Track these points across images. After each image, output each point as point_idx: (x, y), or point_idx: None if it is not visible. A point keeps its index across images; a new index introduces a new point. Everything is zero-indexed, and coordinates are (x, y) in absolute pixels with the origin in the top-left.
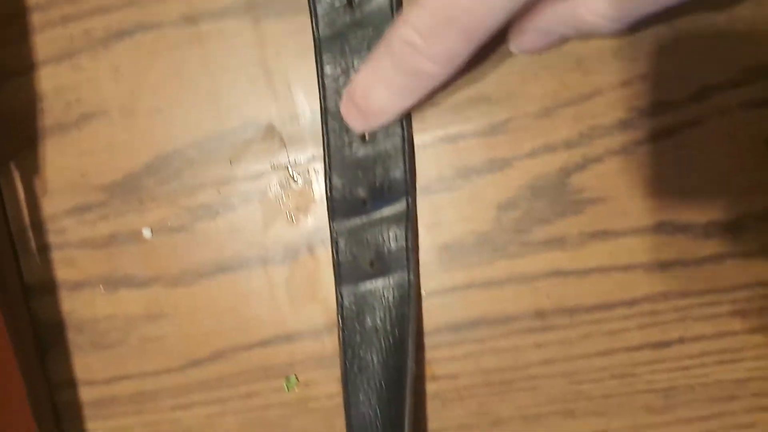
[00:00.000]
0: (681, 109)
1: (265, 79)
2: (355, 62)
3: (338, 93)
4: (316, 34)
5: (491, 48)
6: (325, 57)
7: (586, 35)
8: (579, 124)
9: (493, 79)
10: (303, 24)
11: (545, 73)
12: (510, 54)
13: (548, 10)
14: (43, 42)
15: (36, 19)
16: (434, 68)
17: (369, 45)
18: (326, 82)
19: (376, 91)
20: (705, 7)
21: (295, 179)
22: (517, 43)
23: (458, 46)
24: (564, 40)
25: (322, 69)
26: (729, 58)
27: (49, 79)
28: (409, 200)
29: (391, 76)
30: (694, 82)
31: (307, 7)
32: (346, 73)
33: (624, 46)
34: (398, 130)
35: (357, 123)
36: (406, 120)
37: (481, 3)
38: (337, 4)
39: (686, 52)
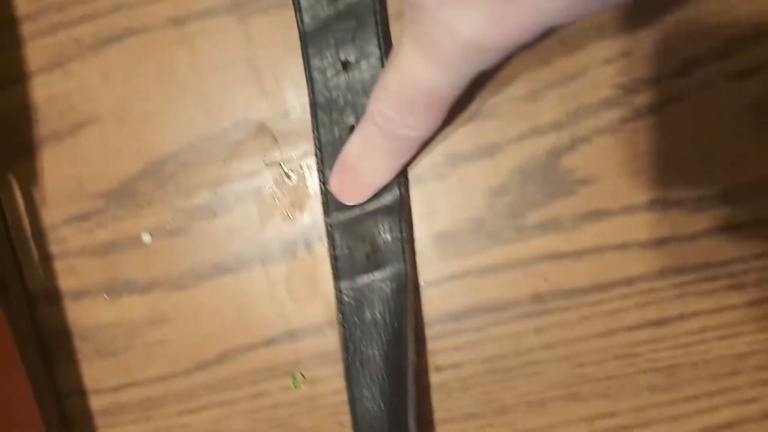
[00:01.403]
0: (665, 84)
1: (254, 76)
2: (341, 54)
3: (326, 86)
4: (300, 28)
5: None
6: (311, 50)
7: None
8: (565, 105)
9: None
10: (288, 19)
11: (530, 55)
12: None
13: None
14: (34, 51)
15: (25, 28)
16: (413, 134)
17: (353, 36)
18: (314, 75)
19: (369, 154)
20: None
21: (289, 176)
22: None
23: (428, 117)
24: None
25: (309, 62)
26: (710, 30)
27: (41, 88)
28: (402, 190)
29: (379, 141)
30: (676, 56)
31: (291, 2)
32: (333, 65)
33: (606, 23)
34: None
35: (351, 193)
36: None
37: (441, 83)
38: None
39: (667, 26)
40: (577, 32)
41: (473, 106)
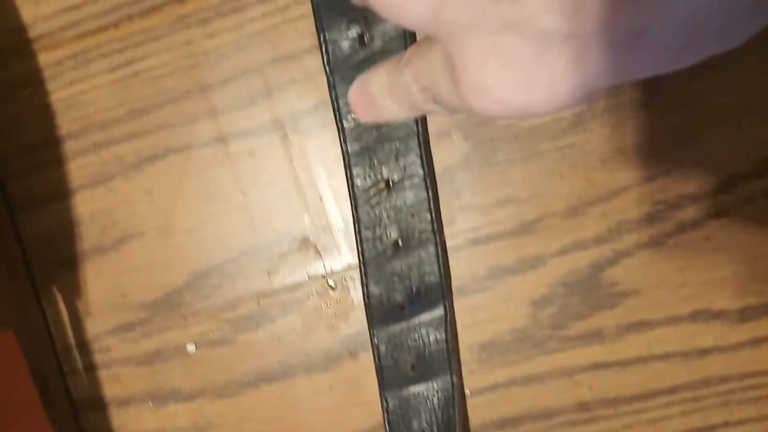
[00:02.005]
0: (706, 200)
1: (296, 192)
2: (384, 173)
3: (369, 203)
4: (344, 148)
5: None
6: (355, 170)
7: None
8: (607, 220)
9: (519, 181)
10: (329, 138)
11: (571, 173)
12: (535, 155)
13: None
14: (77, 168)
15: (68, 146)
16: (437, 109)
17: (396, 156)
18: (357, 193)
19: (393, 96)
20: (721, 96)
21: (333, 287)
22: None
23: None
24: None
25: (352, 181)
26: (750, 147)
27: (84, 204)
28: (447, 304)
29: (405, 94)
30: (717, 173)
31: (333, 123)
32: (376, 184)
33: (645, 142)
34: (431, 236)
35: (365, 114)
36: (437, 225)
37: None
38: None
39: (706, 144)
40: (617, 152)
41: (514, 220)
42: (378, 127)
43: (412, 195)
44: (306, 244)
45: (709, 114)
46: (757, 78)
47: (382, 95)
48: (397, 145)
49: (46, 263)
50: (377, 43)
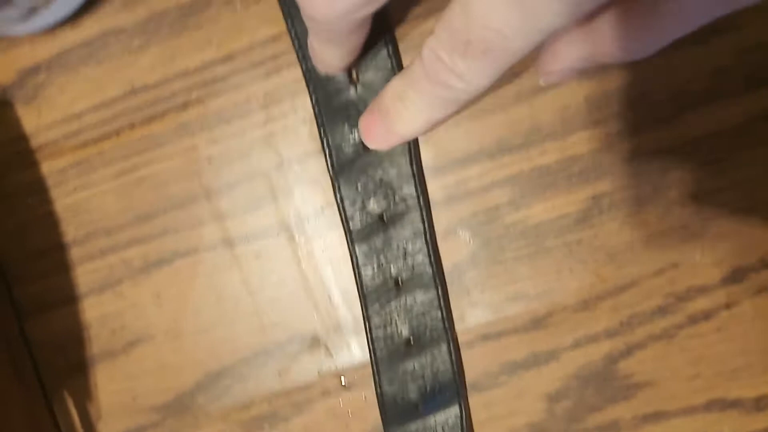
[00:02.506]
0: (716, 291)
1: (305, 293)
2: (393, 272)
3: (379, 302)
4: (352, 249)
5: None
6: (363, 271)
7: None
8: (618, 314)
9: (528, 278)
10: (336, 239)
11: (579, 268)
12: (542, 251)
13: (571, 47)
14: (84, 273)
15: (75, 252)
16: (458, 85)
17: (404, 255)
18: (366, 293)
19: (405, 96)
20: (726, 191)
21: (345, 387)
22: (545, 78)
23: (480, 68)
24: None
25: (361, 282)
26: (756, 240)
27: (93, 309)
28: (462, 402)
29: (420, 83)
30: (725, 265)
31: (340, 224)
32: (385, 283)
33: (652, 236)
34: (443, 334)
35: (375, 136)
36: (448, 323)
37: (512, 28)
38: (369, 220)
39: (713, 237)
40: (625, 247)
41: (525, 316)
42: (385, 228)
43: (421, 293)
44: (316, 343)
45: (715, 208)
46: (759, 176)
47: (396, 99)
48: (405, 245)
49: (56, 368)
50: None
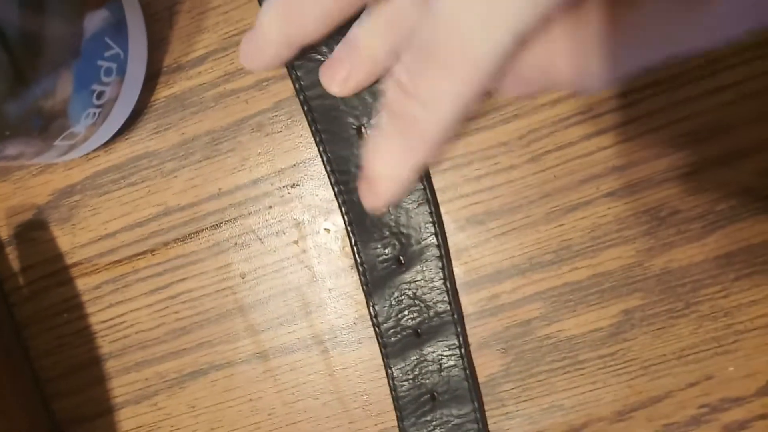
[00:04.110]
0: (750, 402)
1: (339, 404)
2: (428, 385)
3: (414, 415)
4: (387, 364)
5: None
6: (398, 385)
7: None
8: (653, 424)
9: (563, 389)
10: (370, 351)
11: (613, 380)
12: (576, 364)
13: (526, 67)
14: (120, 386)
15: (111, 365)
16: (423, 112)
17: (440, 369)
18: (402, 405)
19: (377, 145)
20: (759, 303)
21: None
22: (502, 90)
23: (445, 84)
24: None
25: (397, 395)
26: None
27: (129, 420)
28: None
29: (388, 126)
30: (760, 376)
31: (373, 336)
32: (421, 397)
33: (686, 349)
34: None
35: (368, 197)
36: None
37: (478, 37)
38: (403, 334)
39: (747, 349)
40: (657, 359)
41: (561, 427)
42: (419, 342)
43: (457, 407)
44: None
45: (748, 322)
46: None
47: (372, 152)
48: (440, 359)
49: None
50: (414, 262)
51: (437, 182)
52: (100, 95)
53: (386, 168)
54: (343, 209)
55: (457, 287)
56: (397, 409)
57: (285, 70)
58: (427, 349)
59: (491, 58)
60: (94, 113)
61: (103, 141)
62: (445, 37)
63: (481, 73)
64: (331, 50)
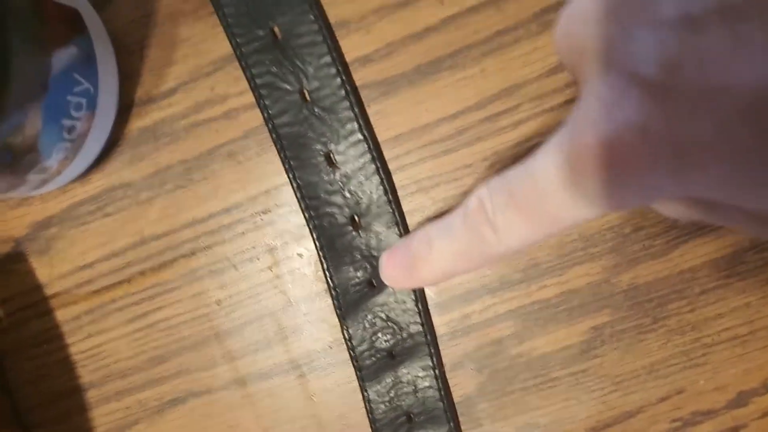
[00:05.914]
0: (722, 415)
1: (318, 429)
2: (404, 407)
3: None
4: (363, 387)
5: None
6: (374, 407)
7: None
8: None
9: (538, 407)
10: (346, 375)
11: (587, 397)
12: (549, 382)
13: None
14: (101, 415)
15: (91, 395)
16: (493, 238)
17: (415, 391)
18: (379, 428)
19: (439, 242)
20: (725, 318)
21: None
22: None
23: (517, 225)
24: None
25: (373, 417)
26: (757, 365)
27: None
28: None
29: (457, 231)
30: (729, 390)
31: (349, 360)
32: (397, 419)
33: (656, 363)
34: None
35: (398, 275)
36: None
37: (557, 205)
38: (378, 356)
39: (716, 362)
40: (629, 375)
41: None
42: (394, 364)
43: (433, 428)
44: None
45: (716, 335)
46: (758, 304)
47: (425, 243)
48: (415, 380)
49: None
50: (385, 285)
51: (405, 205)
52: (71, 129)
53: (440, 260)
54: (314, 234)
55: (429, 308)
56: (375, 431)
57: (253, 99)
58: (402, 371)
59: (573, 222)
60: (66, 147)
61: (78, 174)
62: (533, 192)
63: (559, 228)
64: (299, 82)
